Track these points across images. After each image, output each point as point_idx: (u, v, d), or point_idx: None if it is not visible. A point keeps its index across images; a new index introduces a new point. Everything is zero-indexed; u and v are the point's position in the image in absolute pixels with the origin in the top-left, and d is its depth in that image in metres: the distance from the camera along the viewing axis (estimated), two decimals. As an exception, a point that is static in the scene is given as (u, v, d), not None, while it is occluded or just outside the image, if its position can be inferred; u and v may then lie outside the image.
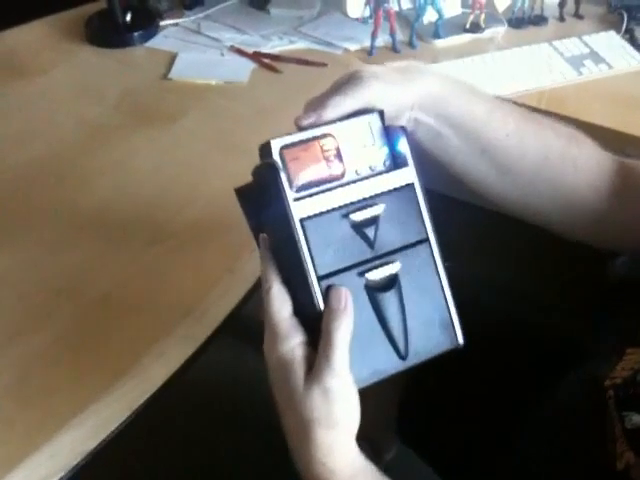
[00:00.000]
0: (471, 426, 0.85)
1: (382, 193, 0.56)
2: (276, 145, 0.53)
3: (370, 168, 0.57)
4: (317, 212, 0.53)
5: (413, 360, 0.56)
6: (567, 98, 1.13)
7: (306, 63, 1.20)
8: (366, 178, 0.56)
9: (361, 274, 0.54)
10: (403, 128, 0.57)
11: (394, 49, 1.25)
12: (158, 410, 0.71)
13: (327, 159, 0.55)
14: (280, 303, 0.53)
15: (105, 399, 0.68)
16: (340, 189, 0.54)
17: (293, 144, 0.54)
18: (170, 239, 0.84)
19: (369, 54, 1.24)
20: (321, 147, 0.55)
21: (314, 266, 0.53)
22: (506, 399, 0.83)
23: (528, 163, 0.66)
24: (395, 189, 0.56)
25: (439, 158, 0.66)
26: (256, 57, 1.21)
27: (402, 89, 0.60)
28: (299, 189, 0.54)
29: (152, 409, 0.71)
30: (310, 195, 0.54)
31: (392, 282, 0.55)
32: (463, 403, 0.86)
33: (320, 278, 0.53)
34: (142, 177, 0.94)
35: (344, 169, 0.56)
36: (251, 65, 1.19)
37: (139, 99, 1.11)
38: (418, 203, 0.57)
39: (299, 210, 0.53)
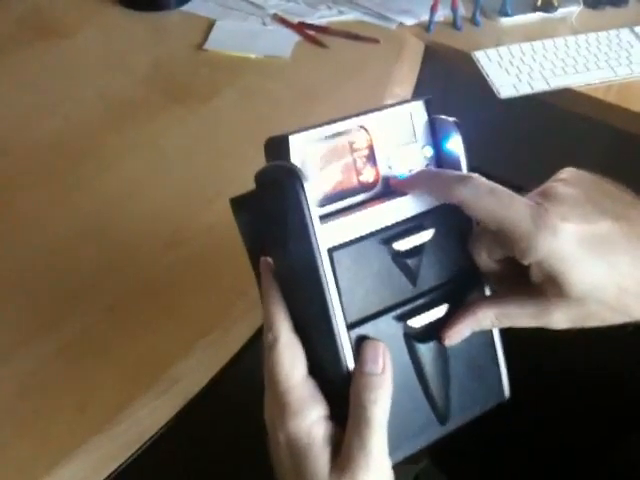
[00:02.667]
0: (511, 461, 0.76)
1: (429, 211, 0.43)
2: (296, 142, 0.41)
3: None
4: (349, 239, 0.41)
5: (453, 423, 0.45)
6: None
7: (356, 38, 1.08)
8: None
9: (399, 319, 0.42)
10: (456, 122, 0.45)
11: (455, 26, 1.12)
12: (168, 444, 0.63)
13: (357, 161, 0.43)
14: (291, 362, 0.41)
15: (110, 430, 0.60)
16: (376, 205, 0.42)
17: (316, 141, 0.42)
18: (193, 239, 0.75)
19: (427, 30, 1.12)
20: (350, 145, 0.43)
21: (343, 312, 0.40)
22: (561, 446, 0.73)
23: None
24: (444, 205, 0.43)
25: None
26: (301, 29, 1.10)
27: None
28: (321, 203, 0.41)
29: (163, 443, 0.63)
30: (338, 214, 0.41)
31: (436, 328, 0.44)
32: (504, 439, 0.77)
33: (349, 327, 0.40)
34: (168, 164, 0.85)
35: (377, 175, 0.44)
36: (295, 38, 1.08)
37: (170, 72, 1.01)
38: (469, 222, 0.45)
39: (326, 236, 0.40)
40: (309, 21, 1.12)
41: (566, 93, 1.02)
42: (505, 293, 0.45)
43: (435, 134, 0.45)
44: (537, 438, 0.74)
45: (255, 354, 0.67)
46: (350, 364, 0.41)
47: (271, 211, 0.41)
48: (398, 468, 0.43)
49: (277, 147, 0.41)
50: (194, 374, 0.64)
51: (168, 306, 0.69)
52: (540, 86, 1.01)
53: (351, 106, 0.97)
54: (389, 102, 0.45)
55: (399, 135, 0.44)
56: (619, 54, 1.05)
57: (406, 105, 0.45)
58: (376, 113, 0.44)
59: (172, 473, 0.81)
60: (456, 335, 0.44)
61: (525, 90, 1.00)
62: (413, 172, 0.44)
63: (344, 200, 0.43)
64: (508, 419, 0.76)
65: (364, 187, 0.44)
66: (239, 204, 0.44)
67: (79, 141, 0.88)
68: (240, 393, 0.71)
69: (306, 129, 0.41)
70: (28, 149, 0.87)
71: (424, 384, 0.43)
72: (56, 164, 0.85)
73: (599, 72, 1.02)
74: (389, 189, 0.44)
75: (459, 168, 0.45)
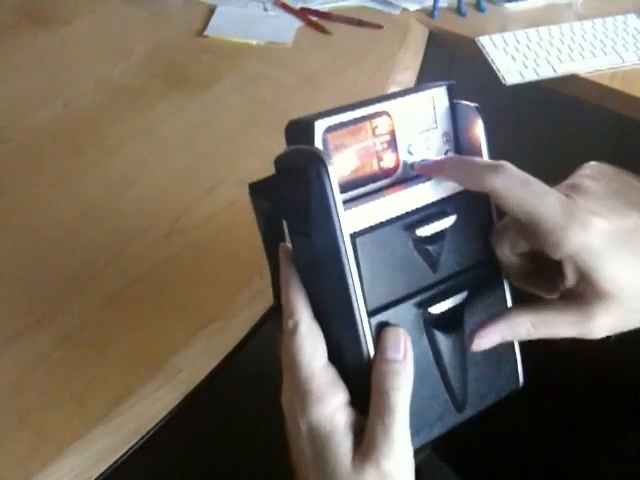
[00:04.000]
0: (513, 453, 0.75)
1: (450, 197, 0.43)
2: (320, 127, 0.40)
3: None
4: (372, 224, 0.40)
5: (470, 411, 0.45)
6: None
7: (359, 24, 1.07)
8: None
9: (419, 306, 0.42)
10: (477, 107, 0.44)
11: (459, 11, 1.11)
12: (170, 435, 0.62)
13: (379, 147, 0.42)
14: (312, 349, 0.40)
15: (110, 422, 0.58)
16: (397, 191, 0.41)
17: (339, 125, 0.41)
18: (195, 228, 0.73)
19: (431, 16, 1.10)
20: (373, 129, 0.42)
21: (364, 299, 0.40)
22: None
23: None
24: (465, 191, 0.43)
25: None
26: (303, 14, 1.08)
27: None
28: (342, 189, 0.40)
29: (164, 434, 0.62)
30: (358, 199, 0.41)
31: (456, 315, 0.43)
32: (508, 429, 0.76)
33: (370, 313, 0.40)
34: (168, 151, 0.83)
35: (397, 161, 0.43)
36: (297, 24, 1.07)
37: (170, 58, 0.99)
38: (489, 208, 0.44)
39: (348, 222, 0.39)
40: (311, 6, 1.10)
41: (572, 80, 1.00)
42: (543, 300, 0.44)
43: (456, 120, 0.45)
44: (538, 433, 0.73)
45: (259, 342, 0.66)
46: (371, 351, 0.40)
47: (293, 196, 0.40)
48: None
49: (300, 132, 0.40)
50: (196, 364, 0.63)
51: (169, 296, 0.67)
52: (546, 72, 0.99)
53: (354, 93, 0.96)
54: (412, 87, 0.43)
55: (420, 121, 0.44)
56: (626, 40, 1.03)
57: (429, 91, 0.44)
58: (399, 98, 0.43)
59: (174, 463, 0.80)
60: (486, 340, 0.43)
61: (531, 77, 0.99)
62: (440, 158, 0.43)
63: (364, 186, 0.42)
64: (512, 413, 0.75)
65: (384, 173, 0.43)
66: (258, 189, 0.43)
67: (78, 128, 0.86)
68: (243, 383, 0.70)
69: (329, 114, 0.40)
70: (27, 137, 0.85)
71: (442, 371, 0.43)
72: (55, 152, 0.83)
73: (606, 58, 1.01)
74: (409, 175, 0.44)
75: (480, 154, 0.44)
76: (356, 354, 0.40)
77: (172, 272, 0.69)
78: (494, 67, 1.00)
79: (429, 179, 0.43)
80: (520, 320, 0.43)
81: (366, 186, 0.42)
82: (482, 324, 0.43)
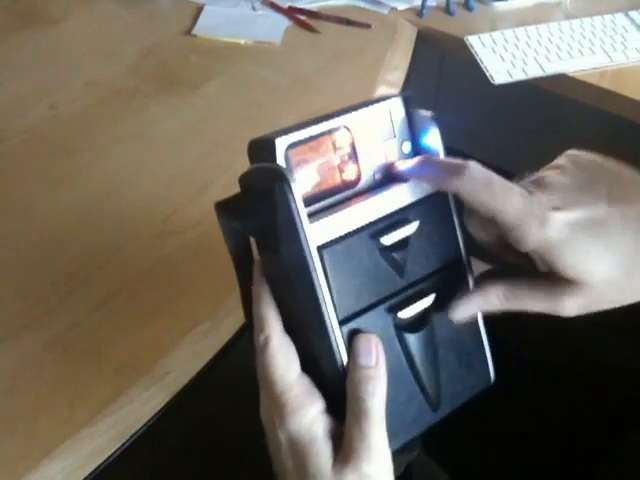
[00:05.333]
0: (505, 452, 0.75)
1: (412, 205, 0.44)
2: (282, 145, 0.41)
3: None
4: (337, 236, 0.41)
5: (445, 409, 0.46)
6: (635, 77, 1.00)
7: (347, 23, 1.07)
8: (387, 185, 0.44)
9: (389, 311, 0.43)
10: (433, 116, 0.45)
11: (448, 11, 1.11)
12: (160, 436, 0.62)
13: (340, 160, 0.43)
14: (285, 362, 0.41)
15: (99, 424, 0.58)
16: (360, 202, 0.42)
17: (300, 142, 0.42)
18: (185, 229, 0.73)
19: (419, 15, 1.10)
20: (333, 144, 0.43)
21: (335, 308, 0.41)
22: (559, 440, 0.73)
23: None
24: (425, 198, 0.44)
25: None
26: (291, 13, 1.08)
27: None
28: (306, 203, 0.41)
29: (153, 436, 0.62)
30: (323, 212, 0.42)
31: (425, 318, 0.45)
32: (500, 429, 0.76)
33: (341, 322, 0.41)
34: (159, 153, 0.83)
35: (359, 172, 0.44)
36: (285, 23, 1.07)
37: (159, 59, 0.99)
38: (450, 212, 0.46)
39: (315, 234, 0.40)
40: (300, 5, 1.10)
41: (560, 79, 1.01)
42: (516, 274, 0.45)
43: (414, 129, 0.46)
44: (533, 433, 0.74)
45: (249, 344, 0.66)
46: (344, 359, 0.41)
47: (259, 213, 0.41)
48: (392, 457, 0.43)
49: (262, 150, 0.41)
50: (185, 365, 0.63)
51: (159, 298, 0.67)
52: (534, 72, 1.00)
53: (343, 92, 0.96)
54: (368, 99, 0.45)
55: (379, 132, 0.45)
56: (614, 39, 1.04)
57: (385, 102, 0.45)
58: (357, 111, 0.44)
59: (164, 465, 0.81)
60: (462, 310, 0.44)
61: (519, 76, 0.99)
62: (414, 159, 0.44)
63: (329, 198, 0.43)
64: (503, 412, 0.75)
65: (347, 185, 0.44)
66: (224, 208, 0.43)
67: (69, 130, 0.86)
68: (232, 384, 0.70)
69: (290, 130, 0.41)
70: (17, 139, 0.85)
71: (415, 373, 0.44)
72: (44, 154, 0.83)
73: (594, 58, 1.01)
74: (372, 185, 0.45)
75: None
76: (330, 363, 0.41)
77: (162, 274, 0.69)
78: (482, 66, 1.00)
79: (391, 188, 0.44)
80: (493, 290, 0.44)
81: (331, 198, 0.44)
82: (458, 296, 0.44)
